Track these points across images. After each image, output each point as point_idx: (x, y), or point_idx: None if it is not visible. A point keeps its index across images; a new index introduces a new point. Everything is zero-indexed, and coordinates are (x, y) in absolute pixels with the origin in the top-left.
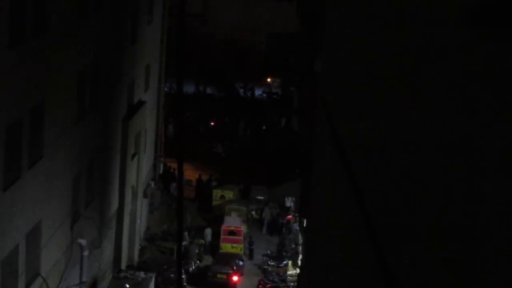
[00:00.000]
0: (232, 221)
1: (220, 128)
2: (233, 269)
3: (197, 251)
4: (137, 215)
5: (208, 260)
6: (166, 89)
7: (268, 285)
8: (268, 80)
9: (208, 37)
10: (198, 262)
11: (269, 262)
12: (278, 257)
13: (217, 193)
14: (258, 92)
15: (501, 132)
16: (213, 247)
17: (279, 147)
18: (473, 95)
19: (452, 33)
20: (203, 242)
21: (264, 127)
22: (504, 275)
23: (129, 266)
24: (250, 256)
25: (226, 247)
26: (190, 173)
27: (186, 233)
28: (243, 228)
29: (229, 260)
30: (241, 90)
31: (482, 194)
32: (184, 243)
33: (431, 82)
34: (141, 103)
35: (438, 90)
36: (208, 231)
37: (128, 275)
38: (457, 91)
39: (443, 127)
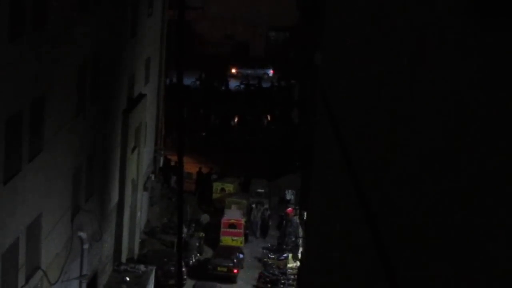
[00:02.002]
0: (232, 214)
1: (194, 120)
2: (233, 262)
3: (197, 244)
4: (137, 208)
5: (208, 253)
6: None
7: (267, 278)
8: (233, 71)
9: (207, 30)
10: (198, 255)
11: (269, 255)
12: (278, 250)
13: (217, 186)
14: (235, 83)
15: (503, 126)
16: (213, 240)
17: (249, 139)
18: (474, 85)
19: (454, 24)
20: (203, 235)
21: (236, 119)
22: (505, 274)
23: (130, 259)
24: (244, 240)
25: (226, 240)
26: (191, 166)
27: (184, 228)
28: (243, 221)
29: (229, 253)
30: (216, 81)
31: (485, 190)
32: (183, 235)
33: (432, 74)
34: (141, 96)
35: (439, 82)
36: (204, 217)
37: (129, 268)
38: (458, 82)
39: (444, 120)
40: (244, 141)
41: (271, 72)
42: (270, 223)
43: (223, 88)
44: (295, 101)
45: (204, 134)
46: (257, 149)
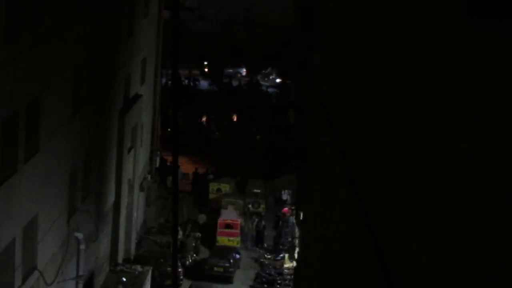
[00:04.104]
0: (229, 215)
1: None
2: (230, 262)
3: (193, 244)
4: (134, 208)
5: (205, 253)
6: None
7: (264, 278)
8: (206, 70)
9: (203, 31)
10: (194, 255)
11: (265, 255)
12: (275, 250)
13: (213, 186)
14: (207, 82)
15: (500, 124)
16: (210, 240)
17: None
18: (472, 88)
19: (451, 24)
20: (200, 235)
21: (204, 119)
22: (504, 277)
23: (126, 260)
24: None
25: (223, 240)
26: (187, 167)
27: (180, 231)
28: (240, 222)
29: (226, 253)
30: (186, 80)
31: (485, 190)
32: (179, 237)
33: (430, 74)
34: (138, 97)
35: (437, 82)
36: (201, 218)
37: (125, 269)
38: (456, 84)
39: (443, 120)
40: (209, 140)
41: (244, 71)
42: (265, 234)
43: (191, 86)
44: (290, 101)
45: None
46: (223, 148)
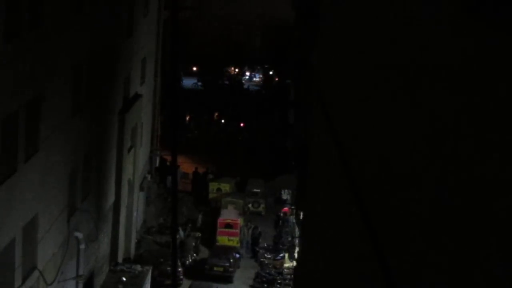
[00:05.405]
0: (229, 214)
1: None
2: (229, 262)
3: (193, 244)
4: (134, 208)
5: (204, 253)
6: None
7: (264, 278)
8: (194, 69)
9: (203, 30)
10: (194, 255)
11: (265, 255)
12: (275, 250)
13: (213, 186)
14: (192, 81)
15: (499, 122)
16: (210, 240)
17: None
18: (471, 83)
19: (451, 22)
20: (200, 235)
21: (188, 117)
22: (503, 274)
23: (126, 259)
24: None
25: (223, 240)
26: (187, 166)
27: (180, 231)
28: (240, 221)
29: (225, 253)
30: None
31: (484, 189)
32: (178, 237)
33: (430, 73)
34: (137, 96)
35: (437, 81)
36: (199, 217)
37: (125, 268)
38: (455, 79)
39: (441, 119)
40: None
41: (232, 69)
42: (260, 241)
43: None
44: (290, 101)
45: None
46: (205, 146)
